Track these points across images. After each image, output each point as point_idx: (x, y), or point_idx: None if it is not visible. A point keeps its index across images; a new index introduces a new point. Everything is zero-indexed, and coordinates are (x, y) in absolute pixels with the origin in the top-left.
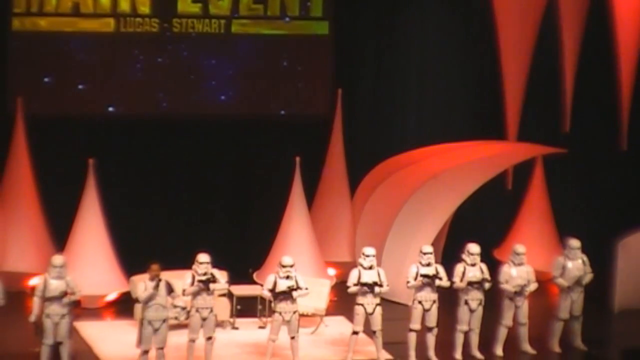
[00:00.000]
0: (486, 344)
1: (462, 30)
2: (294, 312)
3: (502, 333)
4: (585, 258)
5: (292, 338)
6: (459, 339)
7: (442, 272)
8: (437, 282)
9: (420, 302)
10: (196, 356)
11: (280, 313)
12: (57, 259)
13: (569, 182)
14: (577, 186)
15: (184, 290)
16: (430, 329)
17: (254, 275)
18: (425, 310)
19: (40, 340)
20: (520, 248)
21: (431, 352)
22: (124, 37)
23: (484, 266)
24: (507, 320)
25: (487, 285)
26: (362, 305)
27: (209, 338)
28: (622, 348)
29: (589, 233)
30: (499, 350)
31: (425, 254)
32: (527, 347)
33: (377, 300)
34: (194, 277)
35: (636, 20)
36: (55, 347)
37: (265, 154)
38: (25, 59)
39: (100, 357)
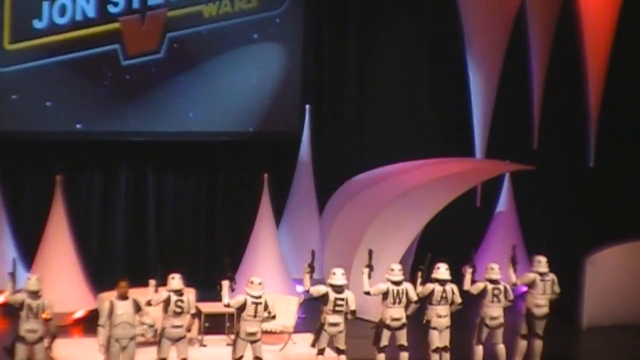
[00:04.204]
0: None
1: (430, 47)
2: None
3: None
4: (554, 277)
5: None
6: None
7: (410, 290)
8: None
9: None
10: None
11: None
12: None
13: (538, 199)
14: (546, 202)
15: (149, 301)
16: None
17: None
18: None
19: None
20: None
21: None
22: (93, 54)
23: (454, 287)
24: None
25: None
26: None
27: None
28: None
29: (557, 249)
30: None
31: (394, 271)
32: None
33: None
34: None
35: (604, 37)
36: None
37: (234, 170)
38: None
39: None
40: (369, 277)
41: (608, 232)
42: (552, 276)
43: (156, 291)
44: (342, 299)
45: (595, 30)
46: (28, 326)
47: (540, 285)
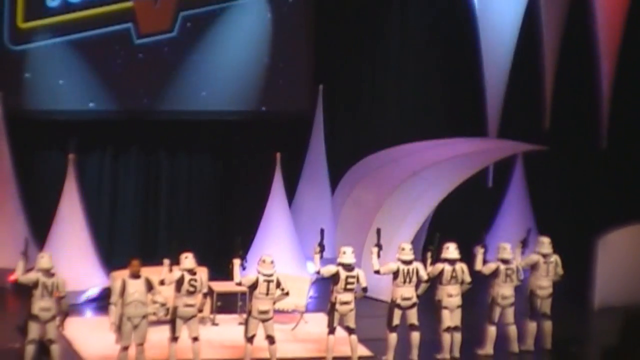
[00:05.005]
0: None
1: (443, 27)
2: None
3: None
4: (558, 259)
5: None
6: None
7: (421, 269)
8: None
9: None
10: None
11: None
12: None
13: (550, 179)
14: (558, 183)
15: (161, 280)
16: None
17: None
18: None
19: (24, 338)
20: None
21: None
22: (106, 33)
23: (464, 266)
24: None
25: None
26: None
27: (195, 339)
28: (602, 346)
29: (568, 230)
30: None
31: (404, 250)
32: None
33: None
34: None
35: (617, 17)
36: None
37: (246, 149)
38: (6, 54)
39: (80, 354)
40: (378, 256)
41: (620, 213)
42: (555, 258)
43: (170, 270)
44: (353, 277)
45: (609, 9)
46: (42, 304)
47: (543, 267)
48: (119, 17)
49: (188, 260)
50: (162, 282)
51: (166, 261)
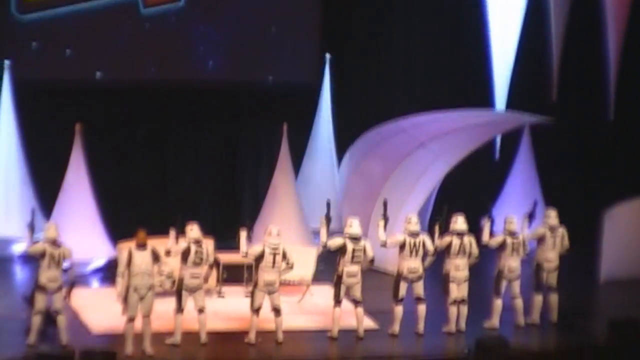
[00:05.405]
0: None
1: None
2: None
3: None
4: (564, 232)
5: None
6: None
7: (428, 242)
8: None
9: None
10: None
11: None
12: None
13: (557, 152)
14: (565, 155)
15: (167, 251)
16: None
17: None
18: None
19: (31, 309)
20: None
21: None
22: (113, 2)
23: (472, 239)
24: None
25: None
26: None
27: (201, 310)
28: (608, 319)
29: (575, 203)
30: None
31: (411, 222)
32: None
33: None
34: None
35: None
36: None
37: (253, 120)
38: (13, 24)
39: (86, 324)
40: (385, 228)
41: (627, 186)
42: (562, 230)
43: (176, 241)
44: (360, 249)
45: None
46: (49, 275)
47: (550, 239)
48: None
49: (194, 231)
50: (168, 253)
51: (172, 231)
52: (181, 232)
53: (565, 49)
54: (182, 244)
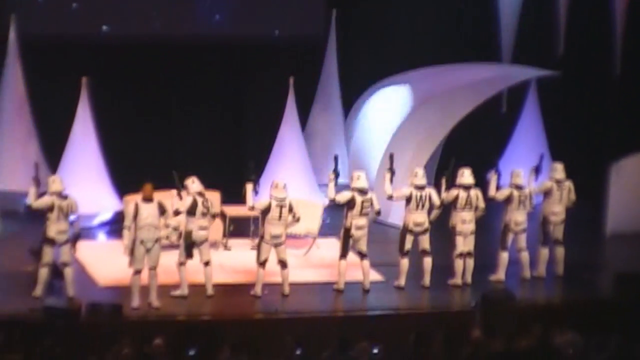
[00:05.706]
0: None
1: None
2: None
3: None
4: (571, 185)
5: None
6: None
7: (434, 195)
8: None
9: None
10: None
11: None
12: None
13: (563, 105)
14: (571, 109)
15: (176, 211)
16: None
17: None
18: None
19: (38, 262)
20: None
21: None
22: None
23: (479, 192)
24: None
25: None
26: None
27: (207, 263)
28: (615, 272)
29: (582, 156)
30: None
31: (417, 175)
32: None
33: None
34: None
35: None
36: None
37: (259, 74)
38: None
39: (93, 277)
40: (391, 181)
41: (633, 139)
42: (568, 183)
43: (180, 198)
44: (368, 201)
45: None
46: (58, 227)
47: (557, 193)
48: None
49: (195, 184)
50: (177, 212)
51: (173, 191)
52: (181, 188)
53: (572, 2)
54: (188, 198)
